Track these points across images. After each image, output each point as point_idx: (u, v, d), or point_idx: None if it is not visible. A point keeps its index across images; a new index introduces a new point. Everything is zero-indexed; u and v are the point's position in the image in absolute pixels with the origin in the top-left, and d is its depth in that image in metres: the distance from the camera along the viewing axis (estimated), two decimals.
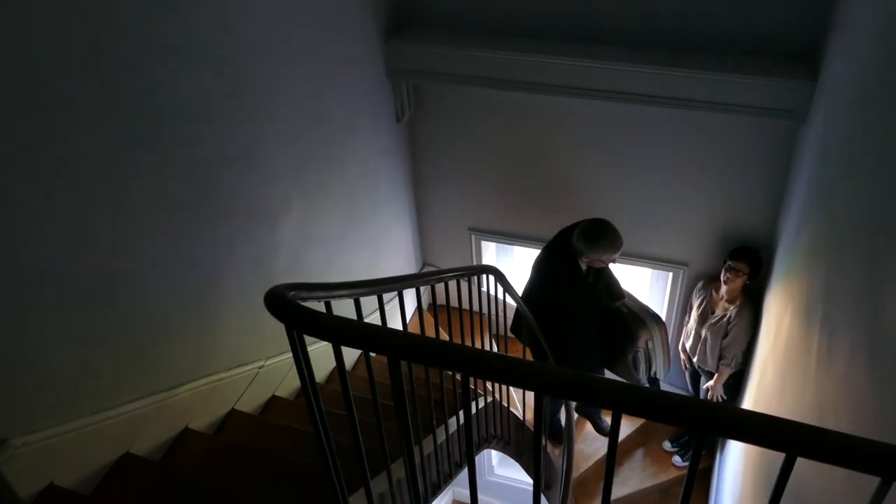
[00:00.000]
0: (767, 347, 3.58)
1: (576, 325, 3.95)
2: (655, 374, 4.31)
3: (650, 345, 4.15)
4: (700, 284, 4.60)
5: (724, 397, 4.42)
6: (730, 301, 4.24)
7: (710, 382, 4.41)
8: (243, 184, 3.08)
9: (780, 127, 3.88)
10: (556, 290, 3.92)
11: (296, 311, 1.44)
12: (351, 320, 1.42)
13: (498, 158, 4.84)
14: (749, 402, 3.99)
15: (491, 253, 5.72)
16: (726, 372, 4.29)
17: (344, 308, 1.73)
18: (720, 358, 4.29)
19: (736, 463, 4.11)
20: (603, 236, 3.63)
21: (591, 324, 4.01)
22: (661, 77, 3.81)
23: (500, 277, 3.89)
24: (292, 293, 1.54)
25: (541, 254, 4.10)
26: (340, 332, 1.40)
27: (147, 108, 2.43)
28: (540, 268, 4.03)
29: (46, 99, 2.02)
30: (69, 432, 2.32)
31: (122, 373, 2.55)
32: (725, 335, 4.22)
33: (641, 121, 4.26)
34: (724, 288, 4.23)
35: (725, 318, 4.22)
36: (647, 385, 4.46)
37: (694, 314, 4.53)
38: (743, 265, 4.11)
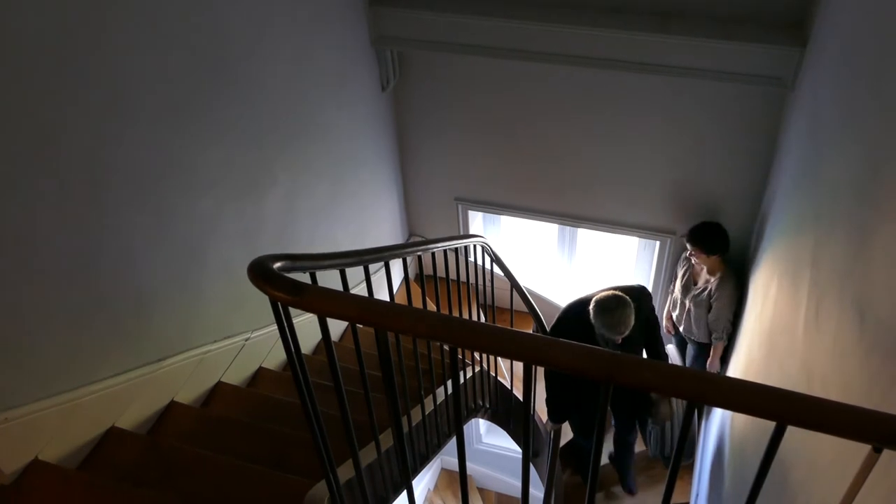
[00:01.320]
0: (755, 316, 3.59)
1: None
2: (669, 454, 4.06)
3: (669, 426, 4.03)
4: (685, 254, 4.61)
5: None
6: (710, 272, 4.25)
7: (710, 360, 4.40)
8: (226, 155, 3.03)
9: (768, 94, 3.86)
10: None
11: (280, 282, 1.42)
12: (336, 291, 1.40)
13: (485, 127, 4.80)
14: (736, 372, 4.01)
15: (478, 223, 5.70)
16: (720, 346, 4.29)
17: (330, 279, 1.70)
18: (710, 332, 4.30)
19: (721, 429, 4.14)
20: (605, 311, 3.35)
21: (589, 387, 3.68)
22: (649, 43, 3.77)
23: (488, 247, 3.87)
24: (277, 264, 1.52)
25: (571, 302, 3.79)
26: (325, 303, 1.38)
27: (125, 81, 2.37)
28: (563, 316, 3.77)
29: (21, 72, 1.97)
30: (53, 407, 2.30)
31: (106, 346, 2.53)
32: (710, 308, 4.23)
33: (629, 89, 4.22)
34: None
35: (707, 292, 4.22)
36: (661, 458, 4.29)
37: (678, 284, 4.54)
38: (695, 248, 4.12)
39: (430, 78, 4.67)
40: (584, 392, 3.65)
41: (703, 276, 4.31)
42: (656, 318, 3.80)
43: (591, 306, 3.38)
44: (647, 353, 3.81)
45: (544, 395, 3.94)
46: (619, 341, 3.37)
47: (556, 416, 3.80)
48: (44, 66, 2.03)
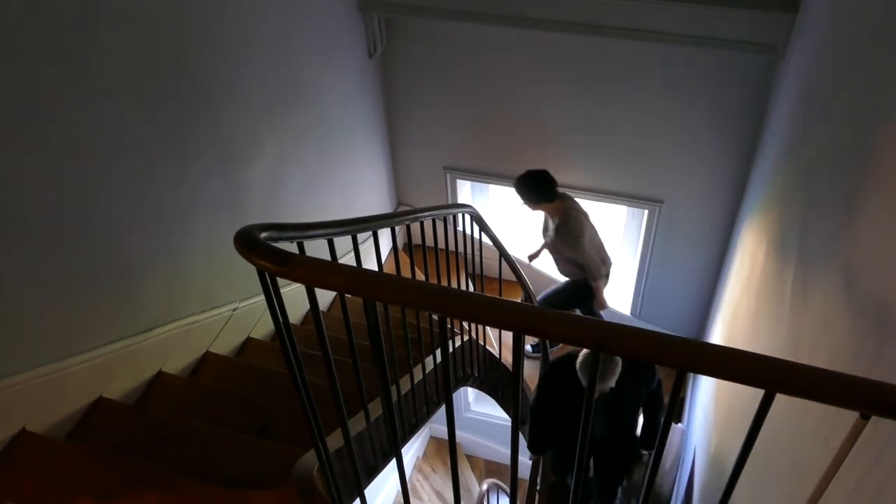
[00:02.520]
0: (741, 284, 3.61)
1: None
2: None
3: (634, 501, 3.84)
4: None
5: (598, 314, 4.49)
6: (551, 218, 4.26)
7: (595, 301, 4.45)
8: (212, 123, 2.99)
9: (757, 62, 3.84)
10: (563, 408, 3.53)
11: (267, 252, 1.40)
12: (324, 261, 1.39)
13: (473, 95, 4.76)
14: (722, 339, 4.04)
15: (466, 192, 5.68)
16: (598, 286, 4.34)
17: (318, 249, 1.69)
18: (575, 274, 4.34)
19: (708, 393, 4.18)
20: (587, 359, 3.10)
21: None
22: (638, 9, 3.74)
23: (477, 216, 3.86)
24: (264, 234, 1.50)
25: (559, 357, 3.54)
26: (313, 273, 1.37)
27: (108, 46, 2.33)
28: (550, 370, 3.55)
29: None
30: (40, 377, 2.29)
31: (93, 316, 2.51)
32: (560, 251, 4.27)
33: (617, 56, 4.19)
34: None
35: (552, 241, 4.29)
36: None
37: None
38: (521, 199, 4.13)
39: (418, 45, 4.62)
40: (565, 427, 3.53)
41: (550, 220, 4.34)
42: (661, 403, 3.52)
43: (581, 353, 3.13)
44: (644, 424, 3.63)
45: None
46: (606, 389, 3.11)
47: (535, 448, 3.77)
48: (24, 29, 1.99)
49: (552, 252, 4.37)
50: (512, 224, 5.88)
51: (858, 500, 1.35)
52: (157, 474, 2.21)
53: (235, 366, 3.29)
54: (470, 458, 7.41)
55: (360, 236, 2.09)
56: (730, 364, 1.11)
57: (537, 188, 4.11)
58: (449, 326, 3.79)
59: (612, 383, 3.07)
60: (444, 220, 3.49)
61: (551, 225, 4.33)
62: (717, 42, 3.71)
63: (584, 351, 3.06)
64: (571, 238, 4.17)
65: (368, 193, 5.06)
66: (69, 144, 2.25)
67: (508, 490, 3.77)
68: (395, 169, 5.43)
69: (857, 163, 1.83)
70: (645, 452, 3.73)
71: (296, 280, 1.37)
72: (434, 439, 7.67)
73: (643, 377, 3.34)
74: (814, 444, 1.69)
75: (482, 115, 4.84)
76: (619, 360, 3.06)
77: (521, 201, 4.17)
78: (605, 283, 4.45)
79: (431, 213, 3.05)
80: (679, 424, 4.61)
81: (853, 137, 1.91)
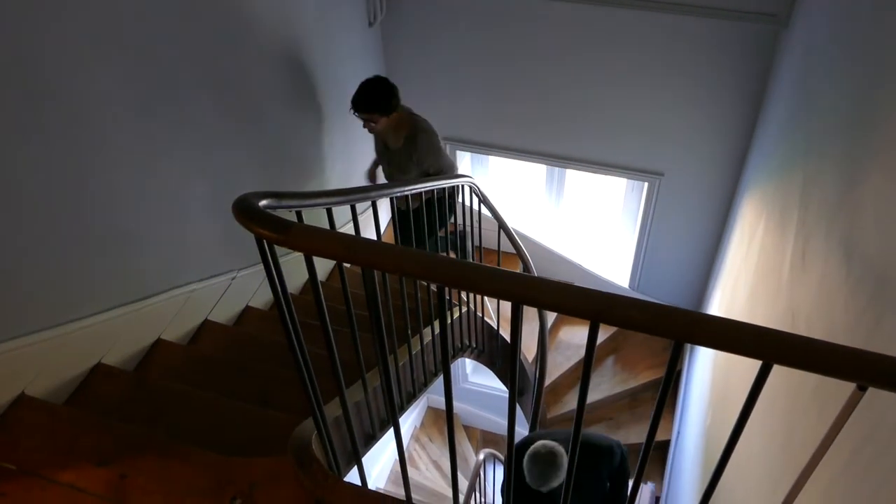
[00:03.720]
0: (740, 256, 3.61)
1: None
2: None
3: None
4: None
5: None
6: (395, 131, 3.82)
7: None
8: (210, 92, 2.97)
9: (760, 32, 3.80)
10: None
11: (266, 220, 1.39)
12: (323, 230, 1.38)
13: (474, 66, 4.72)
14: (719, 312, 4.05)
15: (466, 163, 5.65)
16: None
17: (316, 219, 1.68)
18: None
19: (705, 367, 4.21)
20: (530, 461, 3.06)
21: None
22: None
23: (476, 188, 3.84)
24: (262, 202, 1.49)
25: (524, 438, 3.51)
26: (312, 241, 1.36)
27: (109, 15, 2.30)
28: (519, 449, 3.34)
29: None
30: (40, 342, 2.29)
31: (92, 282, 2.51)
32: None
33: (619, 26, 4.15)
34: None
35: (401, 159, 3.84)
36: None
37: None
38: (373, 115, 3.59)
39: (419, 13, 4.57)
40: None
41: (392, 136, 3.86)
42: (626, 475, 3.44)
43: (529, 449, 3.09)
44: (610, 494, 3.46)
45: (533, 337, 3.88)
46: (553, 487, 3.03)
47: None
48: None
49: (397, 174, 3.85)
50: (511, 195, 5.87)
51: (853, 472, 1.36)
52: (156, 440, 2.22)
53: (234, 334, 3.30)
54: (467, 428, 7.47)
55: (360, 206, 2.08)
56: (727, 335, 1.11)
57: (390, 97, 3.56)
58: (447, 298, 3.79)
59: (557, 483, 2.99)
60: (444, 191, 3.48)
61: (395, 140, 3.85)
62: (720, 12, 3.67)
63: (535, 446, 3.05)
64: (432, 145, 3.72)
65: (368, 164, 5.03)
66: (66, 110, 2.23)
67: (504, 460, 3.81)
68: None
69: (858, 133, 1.82)
70: None
71: (295, 249, 1.37)
72: (432, 409, 7.73)
73: (602, 461, 3.29)
74: (809, 415, 1.70)
75: (483, 86, 4.80)
76: (563, 464, 2.96)
77: (364, 119, 3.63)
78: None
79: (431, 183, 3.04)
80: (649, 484, 4.63)
81: (856, 108, 1.90)
